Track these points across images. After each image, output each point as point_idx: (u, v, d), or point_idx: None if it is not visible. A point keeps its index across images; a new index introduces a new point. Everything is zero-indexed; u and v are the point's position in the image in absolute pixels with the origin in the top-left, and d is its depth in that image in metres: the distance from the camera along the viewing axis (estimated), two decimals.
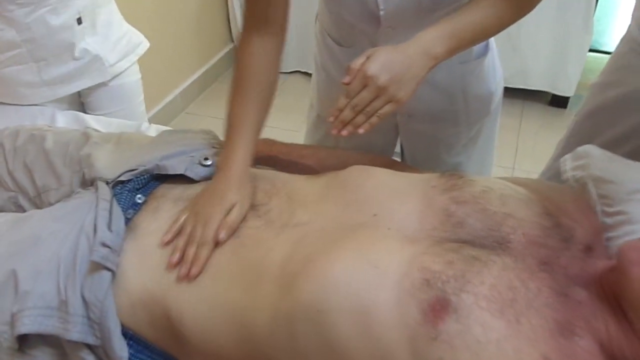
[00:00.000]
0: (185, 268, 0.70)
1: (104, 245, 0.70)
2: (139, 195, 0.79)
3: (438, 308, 0.54)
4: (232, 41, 2.95)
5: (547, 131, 2.44)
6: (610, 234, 0.67)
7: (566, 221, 0.67)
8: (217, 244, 0.72)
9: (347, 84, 0.72)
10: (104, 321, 0.68)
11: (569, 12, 2.25)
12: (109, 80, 1.35)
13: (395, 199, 0.71)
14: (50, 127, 1.09)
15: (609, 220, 0.68)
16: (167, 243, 0.74)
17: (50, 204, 0.91)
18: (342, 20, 0.93)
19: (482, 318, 0.53)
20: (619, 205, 0.68)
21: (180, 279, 0.69)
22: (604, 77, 0.97)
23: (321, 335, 0.58)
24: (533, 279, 0.57)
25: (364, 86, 0.71)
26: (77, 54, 1.26)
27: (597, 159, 0.76)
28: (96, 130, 1.06)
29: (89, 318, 0.68)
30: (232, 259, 0.70)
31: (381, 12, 0.81)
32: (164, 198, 0.79)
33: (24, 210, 0.96)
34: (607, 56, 1.00)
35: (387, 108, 0.72)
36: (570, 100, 2.57)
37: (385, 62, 0.71)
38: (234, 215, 0.74)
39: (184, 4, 2.47)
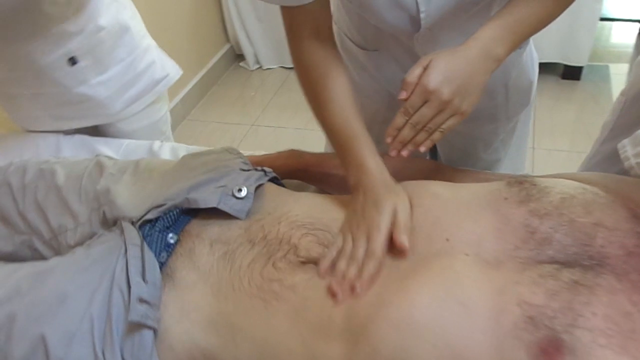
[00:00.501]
0: (345, 290, 0.59)
1: (142, 300, 0.63)
2: (170, 235, 0.71)
3: (551, 351, 0.46)
4: (229, 41, 2.86)
5: (563, 105, 2.36)
6: None
7: None
8: (397, 251, 0.62)
9: (405, 99, 0.64)
10: None
11: None
12: (117, 122, 1.21)
13: (465, 217, 0.63)
14: (57, 158, 1.01)
15: None
16: (325, 272, 0.63)
17: (69, 246, 0.84)
18: (366, 23, 0.85)
19: (605, 358, 0.46)
20: None
21: (339, 298, 0.59)
22: None
23: None
24: None
25: (425, 101, 0.63)
26: (71, 97, 1.11)
27: None
28: (108, 158, 0.98)
29: None
30: (288, 312, 0.62)
31: (422, 14, 0.73)
32: (199, 238, 0.71)
33: (41, 255, 0.89)
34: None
35: (451, 122, 0.65)
36: (584, 70, 2.49)
37: (446, 72, 0.62)
38: (402, 216, 0.64)
39: (177, 7, 2.38)
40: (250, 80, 2.82)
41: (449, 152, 1.06)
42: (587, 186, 0.65)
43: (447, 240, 0.61)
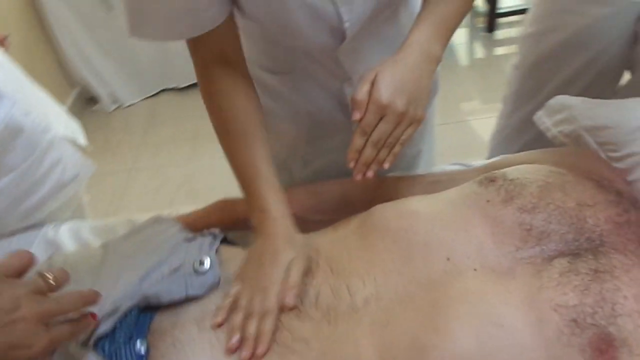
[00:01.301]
0: (248, 349, 0.56)
1: None
2: (137, 342, 0.58)
3: (605, 348, 0.46)
4: (75, 86, 2.57)
5: None
6: (631, 178, 0.64)
7: (618, 186, 0.63)
8: (282, 309, 0.59)
9: (359, 120, 0.61)
10: None
11: None
12: None
13: (456, 230, 0.60)
14: None
15: (621, 165, 0.65)
16: (220, 324, 0.59)
17: None
18: (275, 45, 0.80)
19: None
20: (625, 148, 0.66)
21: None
22: (539, 25, 0.96)
23: None
24: None
25: (381, 117, 0.60)
26: None
27: (580, 109, 0.74)
28: None
29: None
30: None
31: (346, 24, 0.69)
32: (179, 327, 0.60)
33: None
34: None
35: (410, 131, 0.63)
36: None
37: (395, 83, 0.60)
38: (295, 274, 0.61)
39: None
40: (111, 122, 2.57)
41: None
42: (551, 167, 0.67)
43: (448, 259, 0.58)
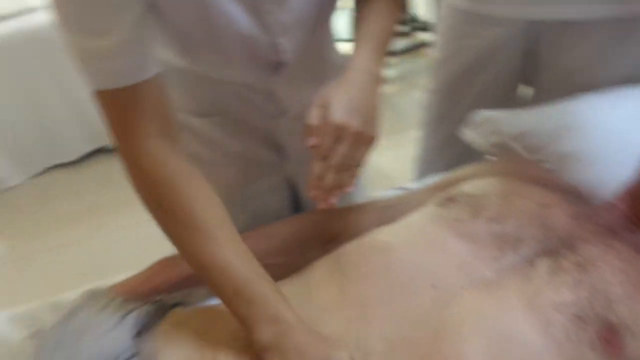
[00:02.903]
0: None
1: None
2: None
3: (610, 336, 0.47)
4: None
5: None
6: (563, 174, 0.69)
7: (558, 184, 0.68)
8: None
9: (316, 145, 0.59)
10: None
11: None
12: None
13: (434, 254, 0.60)
14: None
15: (550, 165, 0.70)
16: None
17: None
18: (202, 84, 0.77)
19: None
20: (548, 148, 0.71)
21: None
22: (444, 51, 1.03)
23: None
24: (622, 248, 0.55)
25: (337, 139, 0.59)
26: None
27: (503, 119, 0.80)
28: None
29: None
30: None
31: (283, 56, 0.68)
32: None
33: None
34: None
35: (366, 151, 0.62)
36: None
37: (347, 104, 0.60)
38: None
39: None
40: None
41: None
42: (499, 178, 0.70)
43: (434, 286, 0.57)
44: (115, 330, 0.59)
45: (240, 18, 0.63)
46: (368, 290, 0.59)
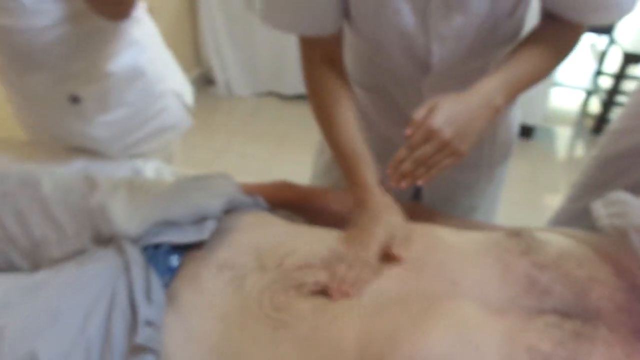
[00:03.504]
0: (341, 289, 0.64)
1: (148, 323, 0.61)
2: (173, 257, 0.70)
3: None
4: (200, 66, 2.86)
5: (517, 162, 2.52)
6: None
7: (637, 281, 0.65)
8: (388, 259, 0.69)
9: (410, 136, 0.69)
10: None
11: None
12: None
13: (470, 263, 0.66)
14: (42, 168, 0.97)
15: None
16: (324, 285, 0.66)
17: (52, 259, 0.80)
18: (374, 64, 0.90)
19: None
20: None
21: (335, 296, 0.64)
22: (624, 123, 0.99)
23: None
24: (635, 353, 0.54)
25: (427, 139, 0.68)
26: (71, 131, 1.11)
27: (634, 207, 0.76)
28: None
29: None
30: (297, 340, 0.61)
31: (433, 59, 0.78)
32: (205, 262, 0.70)
33: (12, 265, 0.84)
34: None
35: (448, 161, 0.70)
36: (536, 131, 2.68)
37: (450, 115, 0.68)
38: (399, 232, 0.72)
39: None
40: (219, 107, 2.82)
41: (431, 195, 1.11)
42: (579, 243, 0.70)
43: (454, 283, 0.64)
44: (216, 198, 0.79)
45: (407, 16, 0.75)
46: (410, 258, 0.69)
